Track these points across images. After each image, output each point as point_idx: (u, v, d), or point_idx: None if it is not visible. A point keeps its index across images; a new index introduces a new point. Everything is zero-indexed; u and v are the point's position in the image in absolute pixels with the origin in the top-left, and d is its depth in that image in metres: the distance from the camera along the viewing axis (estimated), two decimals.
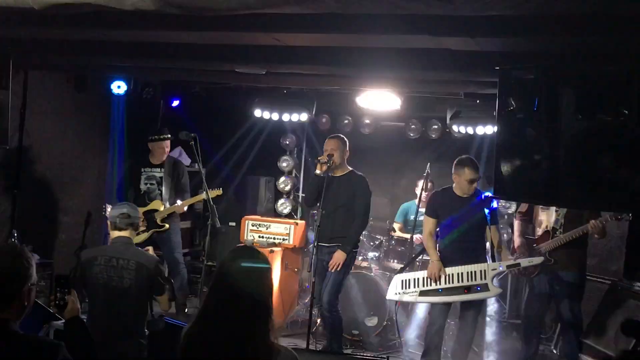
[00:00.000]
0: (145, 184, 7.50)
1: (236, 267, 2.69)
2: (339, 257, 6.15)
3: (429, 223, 6.17)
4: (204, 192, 6.82)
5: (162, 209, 7.35)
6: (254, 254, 2.76)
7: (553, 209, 6.05)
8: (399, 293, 6.20)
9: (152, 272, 4.70)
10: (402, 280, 6.22)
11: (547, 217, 6.14)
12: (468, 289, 5.83)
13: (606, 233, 5.79)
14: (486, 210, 5.93)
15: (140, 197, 7.48)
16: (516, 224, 6.46)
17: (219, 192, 7.18)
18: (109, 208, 7.71)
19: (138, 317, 4.70)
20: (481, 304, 6.27)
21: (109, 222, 4.87)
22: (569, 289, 5.98)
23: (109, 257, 4.67)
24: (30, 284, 2.84)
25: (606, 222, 5.67)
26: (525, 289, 6.53)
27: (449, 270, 5.93)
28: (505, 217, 8.12)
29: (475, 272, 5.84)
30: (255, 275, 2.69)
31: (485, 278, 5.79)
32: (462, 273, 5.89)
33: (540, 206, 6.17)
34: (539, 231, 6.17)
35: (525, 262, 5.89)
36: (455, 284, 5.88)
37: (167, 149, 7.54)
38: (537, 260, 5.89)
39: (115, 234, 4.82)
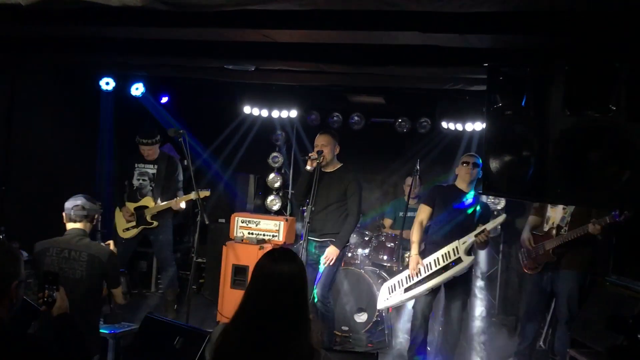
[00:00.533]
0: (138, 179, 7.52)
1: (279, 269, 2.66)
2: (332, 252, 6.17)
3: (423, 211, 6.20)
4: (193, 193, 6.85)
5: (152, 205, 7.35)
6: (294, 257, 2.76)
7: (560, 206, 6.05)
8: (388, 299, 6.24)
9: (105, 265, 4.66)
10: (389, 287, 6.28)
11: (554, 214, 6.14)
12: (445, 269, 5.87)
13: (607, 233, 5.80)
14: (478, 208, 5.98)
15: (133, 192, 7.50)
16: (529, 219, 6.48)
17: (207, 193, 7.16)
18: (97, 205, 7.71)
19: (91, 309, 4.67)
20: (466, 294, 6.23)
21: (64, 214, 4.81)
22: (569, 287, 5.99)
23: (61, 248, 4.64)
24: (19, 280, 2.83)
25: (605, 224, 5.64)
26: (526, 284, 6.53)
27: (425, 260, 5.99)
28: (495, 213, 8.14)
29: (448, 252, 5.91)
30: (297, 277, 2.68)
31: (458, 253, 5.85)
32: (437, 258, 5.95)
33: None
34: (546, 227, 6.19)
35: (489, 225, 5.91)
36: (434, 269, 5.93)
37: (154, 150, 7.50)
38: (500, 219, 6.02)
39: (69, 225, 4.79)
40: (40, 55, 6.56)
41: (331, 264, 6.18)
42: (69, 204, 4.79)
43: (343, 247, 6.26)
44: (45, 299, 3.29)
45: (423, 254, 6.09)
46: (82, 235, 4.75)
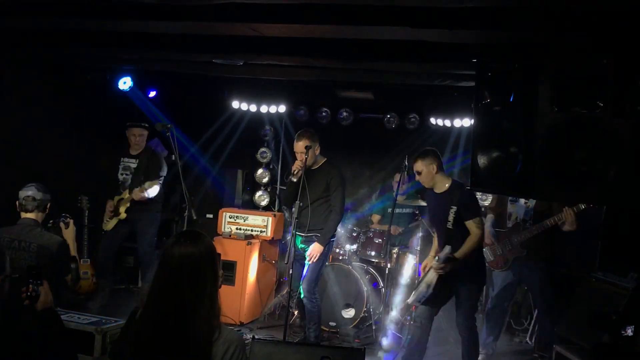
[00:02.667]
0: (122, 174, 7.57)
1: (176, 251, 2.75)
2: (315, 249, 6.17)
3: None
4: (147, 182, 7.19)
5: (126, 197, 7.41)
6: (195, 238, 2.82)
7: (522, 200, 6.12)
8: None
9: (55, 254, 4.68)
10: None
11: (515, 210, 6.21)
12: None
13: (576, 224, 5.86)
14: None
15: (118, 186, 7.56)
16: (487, 217, 6.51)
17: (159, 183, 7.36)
18: (85, 199, 7.72)
19: None
20: (467, 300, 5.69)
21: (17, 203, 4.86)
22: (540, 278, 6.05)
23: (12, 239, 4.65)
24: (4, 275, 2.81)
25: (579, 210, 5.73)
26: (494, 280, 6.55)
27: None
28: (482, 209, 8.15)
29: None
30: (194, 259, 2.75)
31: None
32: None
33: (510, 198, 6.22)
34: (509, 223, 6.23)
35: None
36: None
37: (141, 138, 7.53)
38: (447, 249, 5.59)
39: (22, 215, 4.83)
40: (28, 47, 6.51)
41: (315, 260, 6.19)
42: (21, 194, 4.84)
43: (327, 243, 6.26)
44: (29, 294, 3.25)
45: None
46: (33, 225, 4.78)
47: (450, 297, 5.76)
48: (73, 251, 5.01)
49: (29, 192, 4.82)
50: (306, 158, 6.14)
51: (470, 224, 5.56)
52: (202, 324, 2.69)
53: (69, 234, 5.13)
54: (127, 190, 7.45)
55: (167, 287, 2.73)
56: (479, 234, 5.55)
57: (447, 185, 5.74)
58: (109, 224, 7.50)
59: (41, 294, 3.26)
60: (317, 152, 6.35)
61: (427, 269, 5.78)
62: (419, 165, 5.73)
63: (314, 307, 6.34)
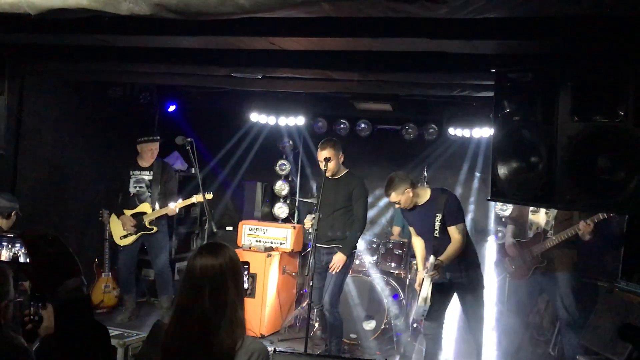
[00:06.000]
0: (135, 187, 7.62)
1: (197, 263, 2.75)
2: (339, 259, 6.17)
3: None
4: (194, 196, 7.01)
5: (150, 211, 7.45)
6: (217, 250, 2.81)
7: (543, 210, 6.10)
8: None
9: None
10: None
11: (537, 220, 6.20)
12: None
13: (593, 233, 5.84)
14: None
15: (130, 199, 7.60)
16: (508, 228, 6.51)
17: (210, 196, 7.23)
18: (106, 213, 7.77)
19: None
20: (474, 305, 5.76)
21: None
22: (562, 289, 6.02)
23: None
24: (8, 300, 2.79)
25: (597, 222, 5.71)
26: (515, 290, 6.54)
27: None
28: (502, 219, 8.11)
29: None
30: (215, 271, 2.74)
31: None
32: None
33: (530, 209, 6.21)
34: (530, 234, 6.22)
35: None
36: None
37: (156, 151, 7.60)
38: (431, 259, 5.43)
39: None
40: (48, 63, 6.58)
41: (338, 270, 6.18)
42: None
43: (350, 253, 6.25)
44: (32, 317, 3.01)
45: None
46: None
47: (449, 303, 5.83)
48: None
49: None
50: (325, 170, 6.18)
51: (453, 230, 5.56)
52: (225, 335, 2.68)
53: None
54: (146, 204, 7.48)
55: (190, 299, 2.73)
56: (461, 240, 5.52)
57: (428, 195, 5.74)
58: (128, 239, 7.51)
59: (44, 319, 3.06)
60: (341, 159, 6.38)
61: (421, 282, 5.75)
62: (395, 197, 5.74)
63: (336, 320, 6.32)
